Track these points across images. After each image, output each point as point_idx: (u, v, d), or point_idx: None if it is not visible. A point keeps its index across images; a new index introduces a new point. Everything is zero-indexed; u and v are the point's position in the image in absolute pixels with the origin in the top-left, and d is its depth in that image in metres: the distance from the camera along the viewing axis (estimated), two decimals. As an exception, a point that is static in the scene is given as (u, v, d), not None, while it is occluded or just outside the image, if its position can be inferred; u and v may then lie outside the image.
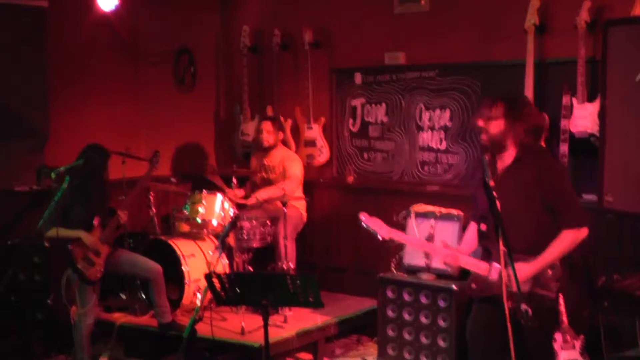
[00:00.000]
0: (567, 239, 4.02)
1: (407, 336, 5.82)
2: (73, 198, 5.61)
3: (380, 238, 4.25)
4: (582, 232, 4.06)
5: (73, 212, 5.65)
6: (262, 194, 6.71)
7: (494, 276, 4.03)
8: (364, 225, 4.27)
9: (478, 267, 4.11)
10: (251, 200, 6.73)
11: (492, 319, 4.06)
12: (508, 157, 4.15)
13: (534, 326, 3.83)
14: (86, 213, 5.67)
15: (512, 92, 4.47)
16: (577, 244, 4.06)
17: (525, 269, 3.97)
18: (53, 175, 5.68)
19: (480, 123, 4.12)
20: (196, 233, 6.61)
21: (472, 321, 4.36)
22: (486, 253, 4.15)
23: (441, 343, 5.63)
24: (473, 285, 4.15)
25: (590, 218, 4.18)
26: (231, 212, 6.47)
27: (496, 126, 4.08)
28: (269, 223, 6.54)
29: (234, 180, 6.71)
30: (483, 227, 4.20)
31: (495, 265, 4.03)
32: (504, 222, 3.79)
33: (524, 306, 3.73)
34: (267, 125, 6.94)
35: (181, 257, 6.26)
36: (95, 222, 5.65)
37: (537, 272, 3.99)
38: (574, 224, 4.04)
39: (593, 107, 5.51)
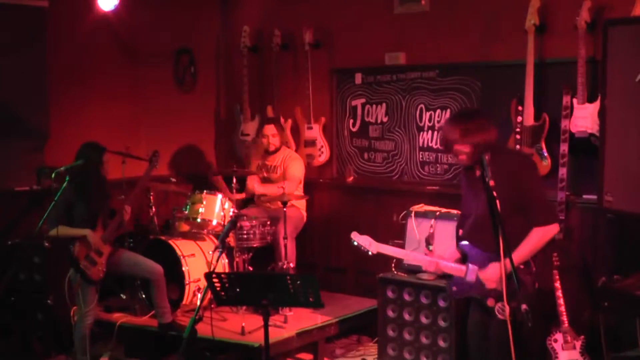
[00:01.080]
0: (536, 236, 4.13)
1: (407, 336, 5.82)
2: (74, 197, 5.61)
3: (370, 253, 4.42)
4: (552, 229, 4.17)
5: (75, 212, 5.65)
6: (263, 189, 6.72)
7: (471, 277, 4.18)
8: (355, 243, 4.43)
9: (456, 270, 4.24)
10: (252, 184, 6.74)
11: (481, 317, 4.27)
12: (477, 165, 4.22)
13: (502, 319, 4.01)
14: (88, 212, 5.66)
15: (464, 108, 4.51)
16: (547, 240, 4.17)
17: (498, 268, 4.04)
18: (53, 175, 5.68)
19: (458, 147, 4.20)
20: (196, 233, 6.61)
21: (469, 321, 4.49)
22: (463, 256, 4.28)
23: (441, 343, 5.63)
24: (454, 288, 4.29)
25: (558, 214, 4.32)
26: (231, 212, 6.47)
27: (467, 147, 4.16)
28: (269, 223, 6.54)
29: (234, 180, 6.69)
30: (460, 231, 4.34)
31: (471, 266, 4.18)
32: (479, 225, 4.07)
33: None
34: (271, 129, 6.90)
35: (181, 257, 6.26)
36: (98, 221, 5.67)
37: (511, 269, 4.02)
38: (543, 221, 4.14)
39: (593, 107, 5.51)
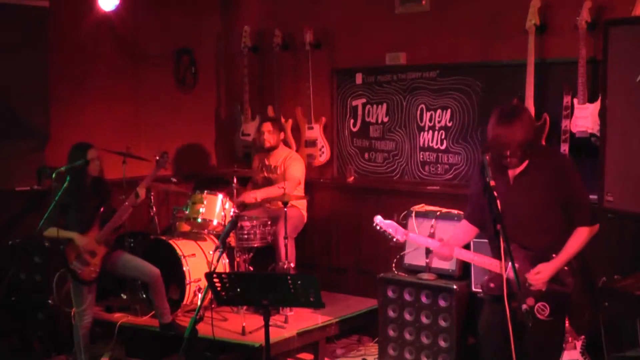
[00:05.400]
0: (583, 236, 4.10)
1: (407, 336, 5.82)
2: (68, 198, 5.55)
3: (395, 240, 4.24)
4: (595, 228, 4.14)
5: (68, 213, 5.62)
6: (262, 193, 6.73)
7: (511, 274, 4.01)
8: (378, 229, 4.26)
9: (493, 265, 4.12)
10: (250, 199, 6.73)
11: (505, 318, 4.08)
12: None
13: (541, 318, 3.96)
14: (79, 213, 5.63)
15: (507, 103, 4.50)
16: (589, 240, 4.13)
17: (548, 268, 4.03)
18: (54, 175, 5.67)
19: (509, 151, 4.02)
20: (197, 233, 6.61)
21: (485, 321, 4.34)
22: (498, 254, 4.10)
23: (442, 343, 5.63)
24: (492, 285, 4.14)
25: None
26: (232, 211, 6.47)
27: (516, 146, 4.01)
28: (269, 223, 6.54)
29: (235, 180, 6.69)
30: (498, 226, 4.11)
31: (509, 264, 4.02)
32: (522, 224, 3.96)
33: (524, 306, 3.75)
34: (267, 126, 6.96)
35: (182, 257, 6.26)
36: (95, 222, 5.64)
37: (558, 270, 4.05)
38: (589, 221, 4.11)
39: (594, 107, 5.52)
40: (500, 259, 4.01)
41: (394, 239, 4.23)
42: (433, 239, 4.38)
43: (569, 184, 4.10)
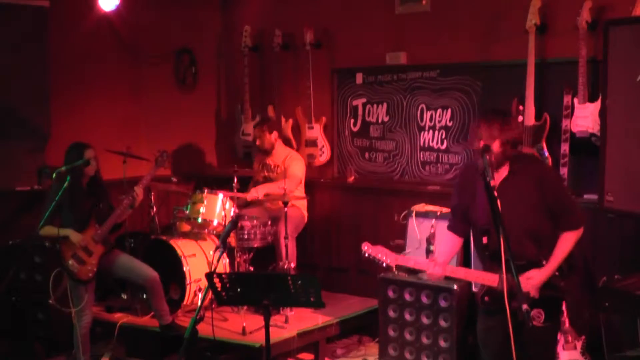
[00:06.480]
0: (571, 241, 4.12)
1: (408, 336, 5.82)
2: (62, 197, 5.52)
3: (385, 265, 4.17)
4: (581, 232, 4.17)
5: (63, 212, 5.61)
6: (262, 189, 6.72)
7: (503, 287, 4.00)
8: (367, 255, 4.18)
9: (486, 279, 4.11)
10: (252, 195, 6.72)
11: (506, 325, 4.04)
12: (502, 171, 4.14)
13: (537, 325, 3.96)
14: (74, 213, 5.61)
15: (493, 106, 4.58)
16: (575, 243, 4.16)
17: (540, 274, 4.05)
18: (54, 175, 5.66)
19: (486, 142, 4.05)
20: (197, 233, 6.60)
21: (483, 326, 4.31)
22: (489, 265, 4.13)
23: (442, 343, 5.63)
24: (486, 299, 4.12)
25: (585, 217, 4.25)
26: (232, 211, 6.47)
27: (498, 145, 4.05)
28: (269, 223, 6.54)
29: (235, 180, 6.68)
30: (485, 240, 4.16)
31: (503, 276, 3.99)
32: (510, 235, 3.84)
33: (524, 306, 3.75)
34: (256, 132, 6.99)
35: (182, 257, 6.26)
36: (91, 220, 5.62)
37: (549, 277, 4.07)
38: (576, 225, 4.14)
39: (594, 107, 5.52)
40: (492, 266, 4.03)
41: (384, 265, 4.18)
42: (424, 260, 4.35)
43: (556, 191, 4.14)
